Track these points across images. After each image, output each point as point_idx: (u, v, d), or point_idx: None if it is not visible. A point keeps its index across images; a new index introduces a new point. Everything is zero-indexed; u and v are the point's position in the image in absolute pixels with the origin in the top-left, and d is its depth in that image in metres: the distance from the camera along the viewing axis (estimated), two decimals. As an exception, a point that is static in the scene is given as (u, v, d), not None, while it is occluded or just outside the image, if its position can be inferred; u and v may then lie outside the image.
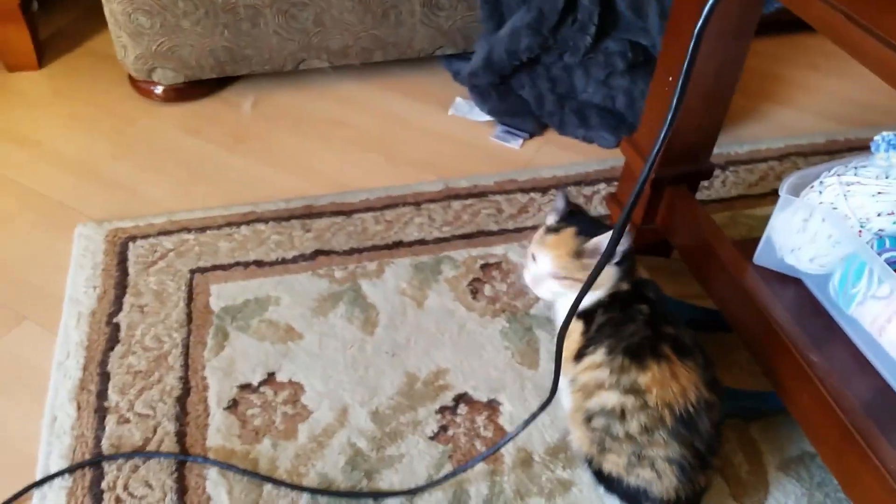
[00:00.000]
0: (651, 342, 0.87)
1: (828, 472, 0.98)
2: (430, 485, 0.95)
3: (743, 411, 1.05)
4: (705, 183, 1.45)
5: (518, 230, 1.35)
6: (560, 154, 1.54)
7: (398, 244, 1.29)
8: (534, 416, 0.93)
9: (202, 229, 1.29)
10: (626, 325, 0.89)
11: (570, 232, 0.94)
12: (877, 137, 0.95)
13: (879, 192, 0.91)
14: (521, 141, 1.57)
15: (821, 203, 0.93)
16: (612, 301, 0.93)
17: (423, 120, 1.62)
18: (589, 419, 0.88)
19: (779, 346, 0.91)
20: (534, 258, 0.96)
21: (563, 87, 1.58)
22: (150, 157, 1.47)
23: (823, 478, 1.00)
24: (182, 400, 1.04)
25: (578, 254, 0.92)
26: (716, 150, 1.52)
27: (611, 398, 0.86)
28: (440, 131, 1.59)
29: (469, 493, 0.96)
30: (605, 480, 0.90)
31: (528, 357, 1.12)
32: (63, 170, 1.43)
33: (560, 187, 0.93)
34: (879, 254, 0.89)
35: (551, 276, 0.94)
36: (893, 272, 0.87)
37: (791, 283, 0.99)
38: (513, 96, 1.60)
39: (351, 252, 1.27)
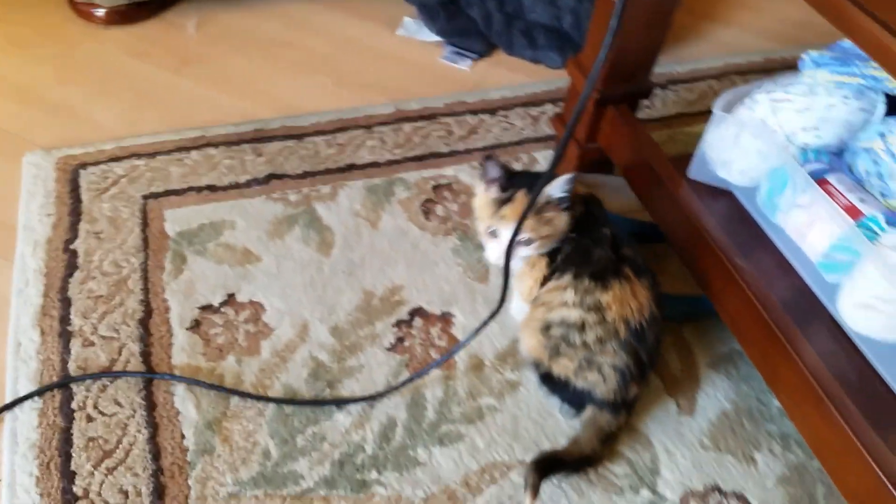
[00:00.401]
0: (614, 265, 0.94)
1: (753, 367, 1.07)
2: (389, 390, 1.02)
3: (677, 315, 1.13)
4: (646, 102, 1.50)
5: (468, 151, 1.38)
6: (508, 75, 1.57)
7: (351, 167, 1.32)
8: (484, 324, 0.99)
9: (152, 155, 1.29)
10: (593, 250, 0.95)
11: (521, 194, 0.95)
12: (803, 56, 1.01)
13: (805, 108, 0.97)
14: (470, 62, 1.59)
15: (751, 119, 0.99)
16: (577, 228, 0.97)
17: (372, 40, 1.62)
18: (547, 328, 0.95)
19: (709, 253, 0.98)
20: (494, 234, 0.97)
21: (511, 6, 1.59)
22: (96, 82, 1.44)
23: (749, 372, 1.09)
24: (145, 322, 1.07)
25: (538, 211, 0.94)
26: (657, 70, 1.57)
27: (573, 314, 0.93)
28: (389, 52, 1.60)
29: (425, 396, 1.02)
30: (552, 383, 0.98)
31: (479, 272, 1.18)
32: (5, 96, 1.40)
33: (485, 157, 0.92)
34: (803, 165, 0.96)
35: (522, 243, 0.95)
36: (814, 183, 0.94)
37: (722, 195, 1.06)
38: (461, 16, 1.61)
39: (304, 175, 1.30)
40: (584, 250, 0.95)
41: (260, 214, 1.22)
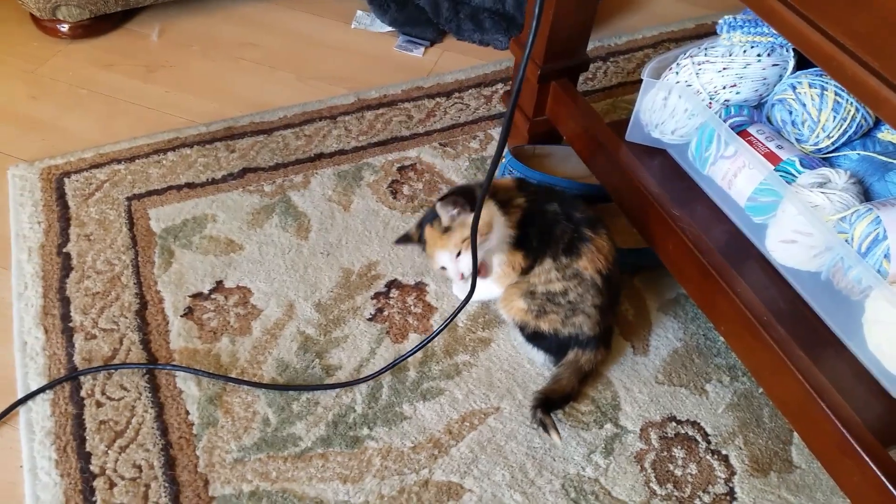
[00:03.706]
0: (575, 232, 1.05)
1: (698, 308, 1.19)
2: (379, 373, 1.11)
3: (627, 266, 1.24)
4: (590, 74, 1.61)
5: (428, 133, 1.48)
6: (460, 59, 1.66)
7: (320, 156, 1.41)
8: (457, 312, 1.07)
9: (131, 159, 1.37)
10: (552, 228, 1.06)
11: (434, 227, 1.04)
12: (720, 21, 1.12)
13: (724, 68, 1.08)
14: (422, 49, 1.68)
15: (677, 82, 1.10)
16: (529, 217, 1.06)
17: (328, 35, 1.70)
18: (531, 293, 1.06)
19: (649, 207, 1.09)
20: (455, 261, 1.03)
21: (457, -6, 1.69)
22: (68, 95, 1.51)
23: (695, 314, 1.21)
24: (141, 313, 1.16)
25: (446, 231, 1.03)
26: (598, 43, 1.68)
27: (557, 286, 1.05)
28: (345, 45, 1.68)
29: (407, 358, 1.12)
30: (540, 338, 1.09)
31: (447, 243, 1.28)
32: (-20, 115, 1.46)
33: (438, 200, 1.02)
34: (725, 120, 1.07)
35: (482, 258, 1.03)
36: (736, 135, 1.05)
37: (657, 153, 1.17)
38: (411, 6, 1.69)
39: (276, 167, 1.38)
40: (546, 233, 1.06)
41: (238, 206, 1.31)
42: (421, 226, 1.08)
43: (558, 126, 1.30)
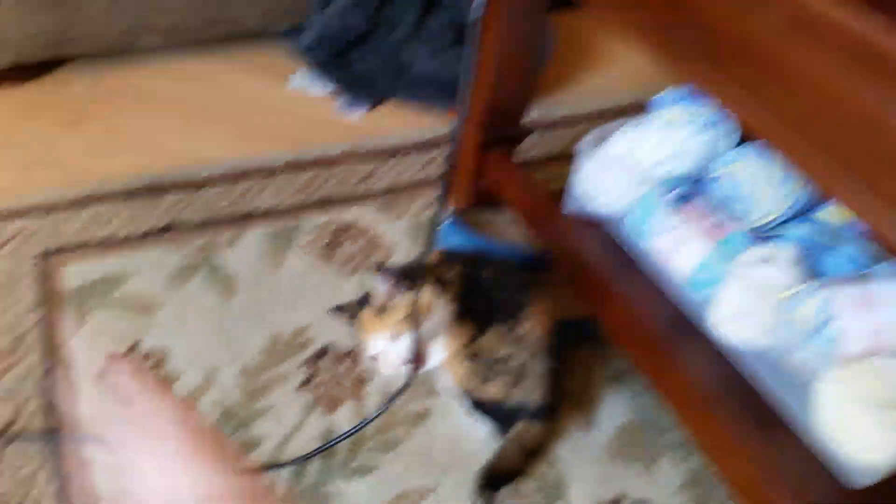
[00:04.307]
0: (517, 297, 1.02)
1: (640, 380, 1.17)
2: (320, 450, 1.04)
3: (574, 337, 1.21)
4: (534, 142, 1.61)
5: (367, 195, 1.44)
6: (401, 121, 1.64)
7: (250, 215, 1.35)
8: (393, 398, 1.02)
9: (47, 212, 1.28)
10: (491, 297, 1.03)
11: (370, 310, 1.00)
12: (655, 97, 1.13)
13: (660, 142, 1.09)
14: (363, 111, 1.66)
15: (615, 155, 1.10)
16: (469, 287, 1.04)
17: (265, 93, 1.67)
18: (474, 355, 1.01)
19: (590, 281, 1.07)
20: (392, 344, 1.00)
21: (397, 60, 1.68)
22: (-19, 143, 1.42)
23: (646, 385, 1.18)
24: (47, 377, 1.06)
25: (381, 311, 0.99)
26: (543, 113, 1.70)
27: (503, 350, 1.01)
28: (283, 104, 1.65)
29: (338, 432, 1.05)
30: (485, 408, 1.04)
31: (382, 309, 1.23)
32: None
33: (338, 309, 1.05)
34: (665, 194, 1.07)
35: (392, 342, 0.99)
36: (674, 211, 1.05)
37: (597, 226, 1.16)
38: (351, 70, 1.68)
39: (203, 225, 1.32)
40: (486, 303, 1.03)
41: (160, 265, 1.23)
42: (360, 304, 1.03)
43: (500, 193, 1.29)
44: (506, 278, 1.05)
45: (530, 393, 1.02)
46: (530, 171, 1.55)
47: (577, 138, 1.65)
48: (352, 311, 1.04)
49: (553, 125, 1.68)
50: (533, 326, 1.02)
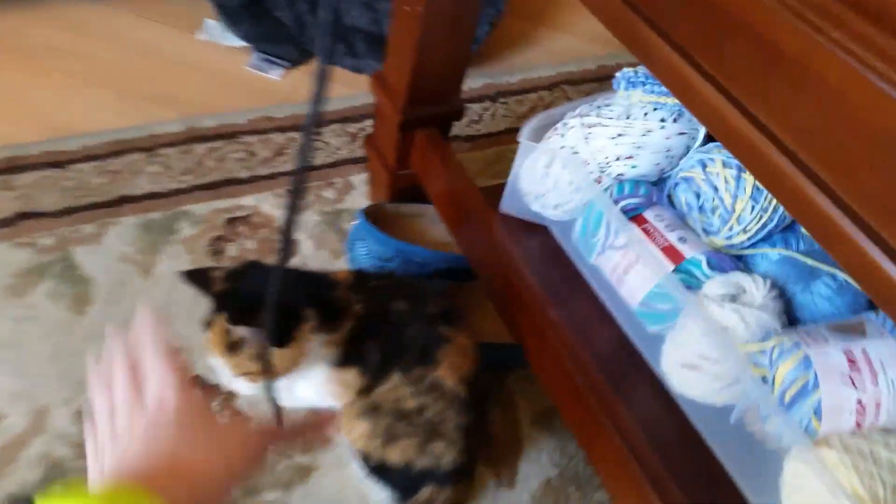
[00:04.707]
0: (429, 335, 0.78)
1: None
2: None
3: (499, 365, 1.00)
4: (475, 116, 1.37)
5: (272, 176, 1.20)
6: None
7: (124, 199, 1.11)
8: None
9: None
10: (402, 335, 0.78)
11: (220, 322, 0.71)
12: (617, 75, 0.90)
13: (619, 135, 0.85)
14: (281, 71, 1.41)
15: (563, 147, 0.87)
16: (368, 327, 0.78)
17: (167, 46, 1.40)
18: (374, 408, 0.78)
19: (520, 300, 0.85)
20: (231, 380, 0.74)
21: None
22: None
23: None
24: None
25: (233, 347, 0.71)
26: (487, 80, 1.45)
27: (410, 403, 0.78)
28: (187, 59, 1.39)
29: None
30: (387, 472, 0.81)
31: (274, 324, 1.00)
32: None
33: (187, 275, 0.73)
34: (618, 200, 0.85)
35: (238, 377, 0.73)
36: (629, 221, 0.83)
37: (538, 231, 0.93)
38: (269, 19, 1.42)
39: (64, 212, 1.07)
40: (392, 341, 0.78)
41: (3, 265, 1.00)
42: (219, 302, 0.73)
43: (424, 183, 1.05)
44: (419, 309, 0.81)
45: (442, 455, 0.80)
46: (475, 149, 1.32)
47: (531, 110, 1.43)
48: (213, 289, 0.74)
49: (503, 93, 1.44)
50: (449, 371, 0.78)
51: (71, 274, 1.00)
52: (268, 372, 0.67)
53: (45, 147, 1.16)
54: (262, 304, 0.62)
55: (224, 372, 0.73)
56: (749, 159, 0.54)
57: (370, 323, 0.78)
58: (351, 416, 0.80)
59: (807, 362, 0.66)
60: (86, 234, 1.05)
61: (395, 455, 0.80)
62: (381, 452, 0.80)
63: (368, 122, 1.33)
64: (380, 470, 0.81)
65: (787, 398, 0.67)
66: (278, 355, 0.70)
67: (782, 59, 0.48)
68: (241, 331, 0.69)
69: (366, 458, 0.81)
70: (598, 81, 1.49)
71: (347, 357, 0.77)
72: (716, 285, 0.77)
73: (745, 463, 0.74)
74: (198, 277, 0.73)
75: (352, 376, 0.78)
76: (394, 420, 0.78)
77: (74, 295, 0.98)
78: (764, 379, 0.71)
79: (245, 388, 0.74)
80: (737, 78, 0.53)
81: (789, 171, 0.50)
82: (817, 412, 0.65)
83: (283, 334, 0.70)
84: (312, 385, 0.78)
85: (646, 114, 0.85)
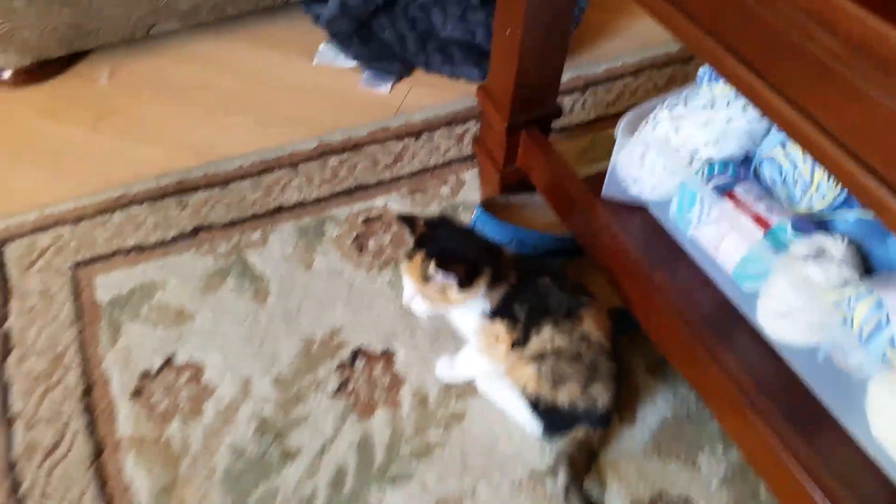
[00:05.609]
0: (573, 301, 0.99)
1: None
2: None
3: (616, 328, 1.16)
4: (567, 108, 1.53)
5: (395, 179, 1.39)
6: (429, 94, 1.58)
7: (279, 209, 1.32)
8: None
9: (76, 221, 1.28)
10: (548, 300, 0.98)
11: (419, 257, 0.96)
12: (701, 70, 1.04)
13: (705, 123, 1.00)
14: (389, 84, 1.59)
15: (655, 137, 1.02)
16: (517, 291, 0.99)
17: (289, 73, 1.61)
18: (541, 356, 0.97)
19: (628, 270, 1.01)
20: (414, 296, 0.99)
21: (423, 25, 1.60)
22: (10, 149, 1.41)
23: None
24: (86, 397, 1.07)
25: (426, 279, 0.95)
26: (575, 73, 1.60)
27: (568, 348, 0.97)
28: (307, 83, 1.59)
29: (373, 438, 1.04)
30: (554, 413, 1.00)
31: (416, 304, 1.20)
32: (-85, 173, 1.36)
33: (400, 218, 1.01)
34: (708, 180, 0.99)
35: (419, 298, 0.98)
36: (720, 197, 0.97)
37: (637, 211, 1.09)
38: (375, 40, 1.61)
39: (232, 224, 1.29)
40: (541, 304, 0.98)
41: (190, 270, 1.22)
42: (419, 242, 0.98)
43: (531, 177, 1.22)
44: (561, 282, 1.01)
45: (599, 397, 0.99)
46: (569, 138, 1.48)
47: (618, 97, 1.57)
48: (417, 232, 1.00)
49: (591, 83, 1.59)
50: (593, 325, 0.98)
51: (248, 273, 1.22)
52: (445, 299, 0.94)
53: (205, 171, 1.38)
54: (453, 251, 0.95)
55: (410, 291, 0.98)
56: (809, 148, 0.67)
57: (521, 290, 0.99)
58: (518, 364, 1.00)
59: (879, 303, 0.80)
60: (253, 240, 1.27)
61: (563, 396, 0.99)
62: (552, 394, 0.99)
63: (471, 124, 1.50)
64: (549, 411, 1.00)
65: (865, 335, 0.81)
66: (457, 291, 0.94)
67: (828, 74, 0.61)
68: (433, 269, 0.93)
69: (536, 401, 1.00)
70: (682, 63, 1.61)
71: (498, 313, 0.98)
72: (801, 246, 0.90)
73: (835, 392, 0.88)
74: (407, 220, 1.00)
75: (500, 329, 0.99)
76: (558, 362, 0.97)
77: (254, 289, 1.20)
78: (844, 321, 0.85)
79: (421, 307, 0.98)
80: (794, 86, 0.66)
81: (841, 159, 0.63)
82: (892, 344, 0.79)
83: (469, 278, 0.94)
84: (468, 325, 1.00)
85: (728, 103, 0.99)
